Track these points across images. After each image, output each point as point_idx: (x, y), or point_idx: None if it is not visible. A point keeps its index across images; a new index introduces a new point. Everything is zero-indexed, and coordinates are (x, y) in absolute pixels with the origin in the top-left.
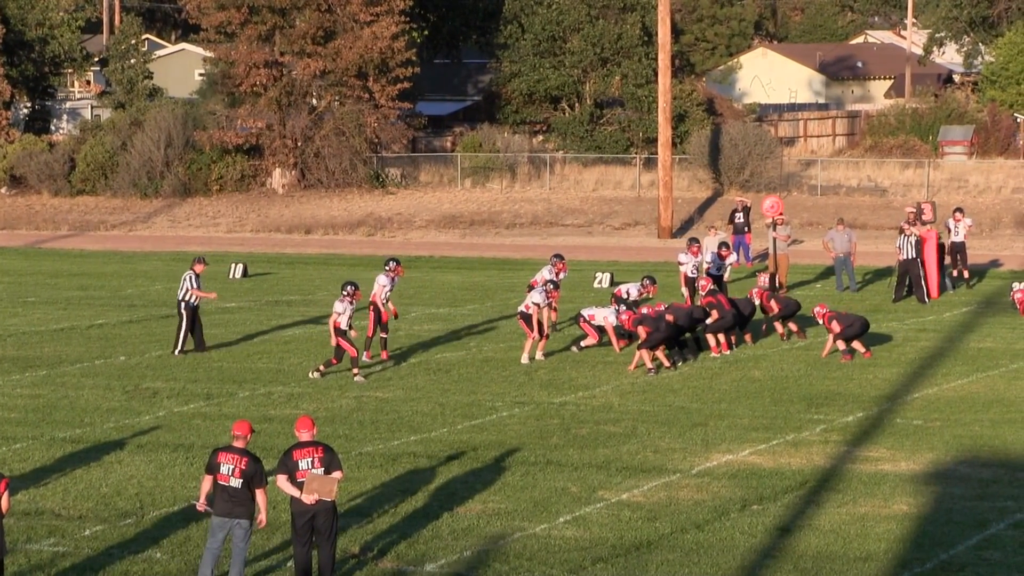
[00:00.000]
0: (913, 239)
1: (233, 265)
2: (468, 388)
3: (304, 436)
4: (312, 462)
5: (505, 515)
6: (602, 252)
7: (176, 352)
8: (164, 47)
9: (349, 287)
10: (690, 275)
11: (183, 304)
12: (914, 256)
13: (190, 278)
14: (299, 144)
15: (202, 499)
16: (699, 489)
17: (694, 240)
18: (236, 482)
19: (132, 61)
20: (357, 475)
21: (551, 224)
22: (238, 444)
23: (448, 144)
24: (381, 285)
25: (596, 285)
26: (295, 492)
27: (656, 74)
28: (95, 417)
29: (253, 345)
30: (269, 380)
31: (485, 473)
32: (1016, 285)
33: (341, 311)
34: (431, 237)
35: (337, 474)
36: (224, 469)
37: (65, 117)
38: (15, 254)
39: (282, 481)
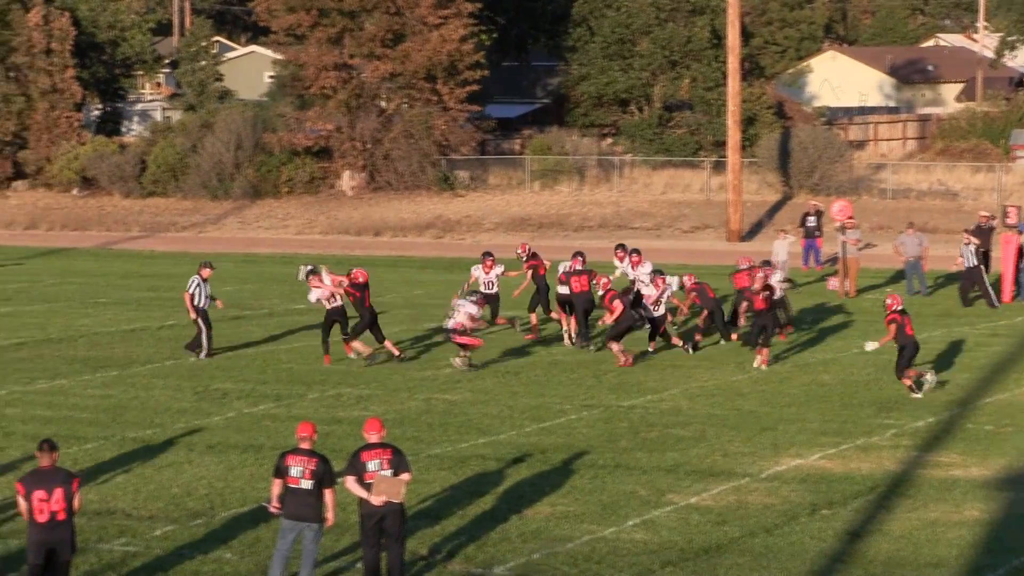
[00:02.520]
0: (972, 247)
1: (302, 267)
2: (536, 391)
3: (373, 438)
4: (381, 464)
5: (573, 518)
6: (671, 255)
7: (203, 356)
8: (234, 49)
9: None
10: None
11: (194, 309)
12: (976, 264)
13: (197, 283)
14: (368, 146)
15: (274, 501)
16: (768, 493)
17: (620, 245)
18: (307, 484)
19: (202, 63)
20: (426, 477)
21: (620, 227)
22: (304, 446)
23: (517, 147)
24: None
25: None
26: (363, 494)
27: (725, 77)
28: (165, 418)
29: (318, 348)
30: (338, 382)
31: (553, 476)
32: None
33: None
34: (500, 239)
35: (405, 476)
36: (294, 472)
37: (136, 119)
38: (86, 255)
39: (351, 483)
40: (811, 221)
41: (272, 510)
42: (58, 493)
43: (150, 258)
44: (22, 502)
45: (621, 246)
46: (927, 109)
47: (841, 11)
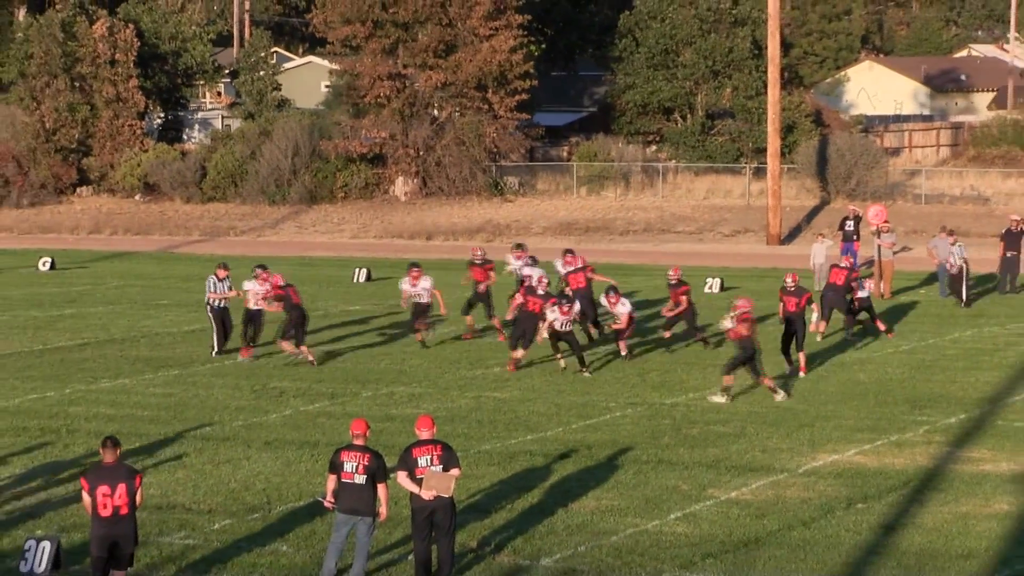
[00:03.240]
0: (959, 248)
1: (357, 270)
2: (583, 389)
3: (424, 434)
4: (431, 459)
5: (618, 512)
6: (713, 258)
7: (214, 354)
8: (292, 60)
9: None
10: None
11: (208, 308)
12: (962, 264)
13: (212, 282)
14: (421, 153)
15: (328, 496)
16: (806, 488)
17: (519, 246)
18: (360, 478)
19: (261, 73)
20: (475, 472)
21: (663, 231)
22: (358, 442)
23: (564, 153)
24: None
25: (707, 290)
26: (415, 488)
27: (766, 86)
28: (224, 415)
29: (376, 346)
30: (391, 380)
31: (599, 471)
32: None
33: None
34: (547, 243)
35: (455, 471)
36: (348, 467)
37: (197, 127)
38: (148, 259)
39: (402, 478)
40: (849, 225)
41: (327, 504)
42: (121, 488)
43: (210, 261)
44: (86, 497)
45: (519, 246)
46: (960, 117)
47: (878, 23)
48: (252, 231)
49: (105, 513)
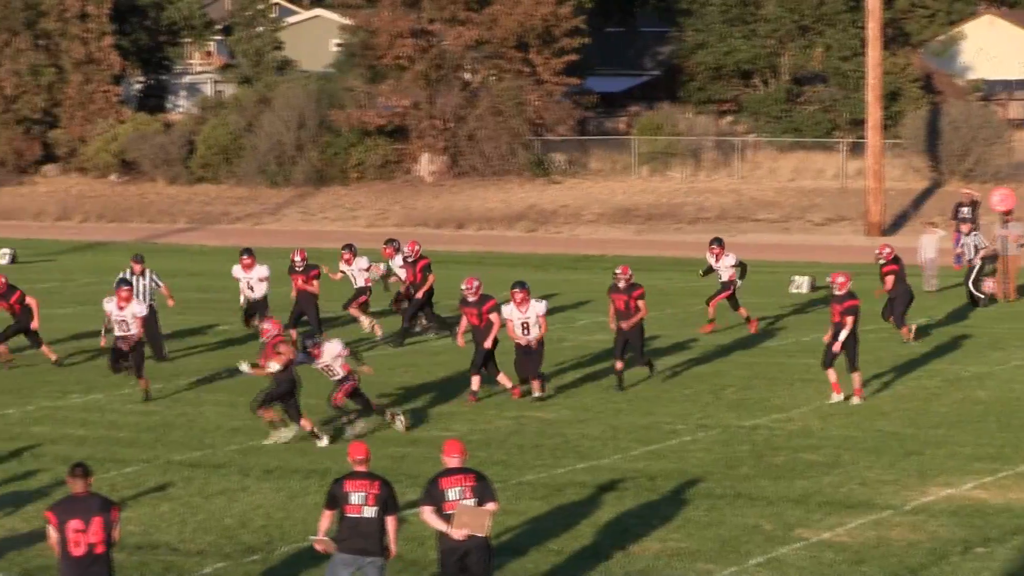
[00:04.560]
0: (973, 238)
1: (372, 265)
2: (644, 408)
3: (453, 462)
4: (462, 492)
5: (687, 555)
6: (801, 252)
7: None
8: (296, 13)
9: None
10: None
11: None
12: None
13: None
14: (450, 125)
15: (321, 535)
16: (913, 528)
17: (390, 241)
18: (370, 511)
19: (259, 29)
20: (515, 507)
21: (741, 219)
22: (361, 468)
23: (622, 126)
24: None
25: (793, 290)
26: (443, 526)
27: (864, 45)
28: (216, 438)
29: (396, 357)
30: (414, 396)
31: (663, 507)
32: None
33: None
34: (602, 233)
35: (491, 506)
36: (354, 498)
37: (183, 93)
38: (125, 250)
39: (428, 513)
40: (964, 212)
41: (321, 548)
42: (96, 523)
43: (199, 254)
44: (54, 533)
45: (349, 246)
46: None
47: None
48: (249, 218)
49: (77, 552)
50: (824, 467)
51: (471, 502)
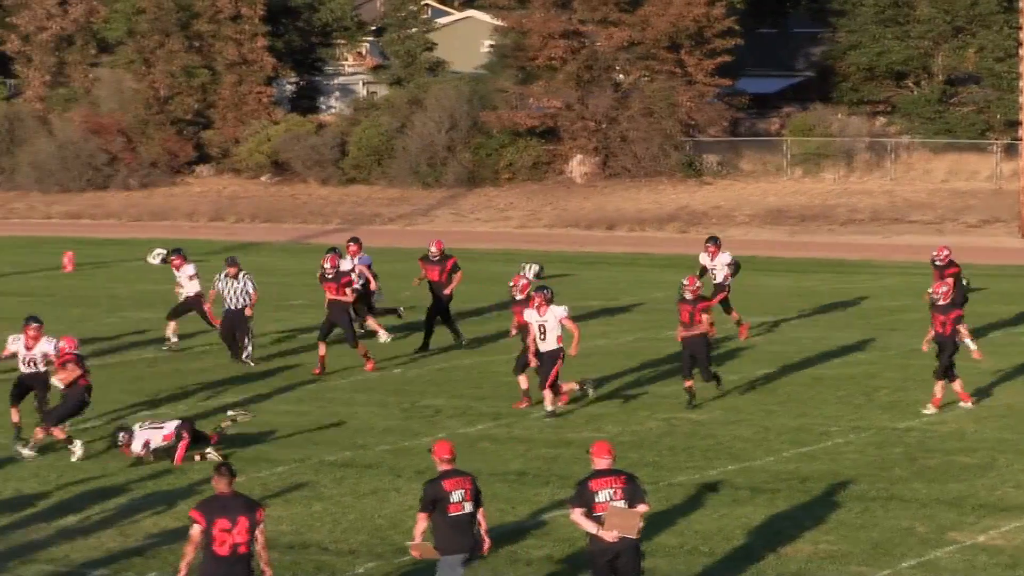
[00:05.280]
0: None
1: (525, 265)
2: (796, 410)
3: (602, 463)
4: (612, 494)
5: (840, 558)
6: (955, 254)
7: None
8: (448, 14)
9: None
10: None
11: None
12: None
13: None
14: (602, 126)
15: (418, 539)
16: None
17: (354, 239)
18: (468, 507)
19: (412, 30)
20: (666, 509)
21: (894, 220)
22: (451, 467)
23: (774, 127)
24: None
25: None
26: (593, 528)
27: (1019, 46)
28: (368, 438)
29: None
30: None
31: (816, 508)
32: None
33: None
34: (753, 234)
35: (642, 507)
36: (455, 496)
37: (335, 95)
38: (279, 251)
39: (578, 515)
40: None
41: (416, 553)
42: (241, 523)
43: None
44: (198, 531)
45: (354, 239)
46: None
47: None
48: (401, 218)
49: (223, 551)
50: (978, 469)
51: (621, 504)
